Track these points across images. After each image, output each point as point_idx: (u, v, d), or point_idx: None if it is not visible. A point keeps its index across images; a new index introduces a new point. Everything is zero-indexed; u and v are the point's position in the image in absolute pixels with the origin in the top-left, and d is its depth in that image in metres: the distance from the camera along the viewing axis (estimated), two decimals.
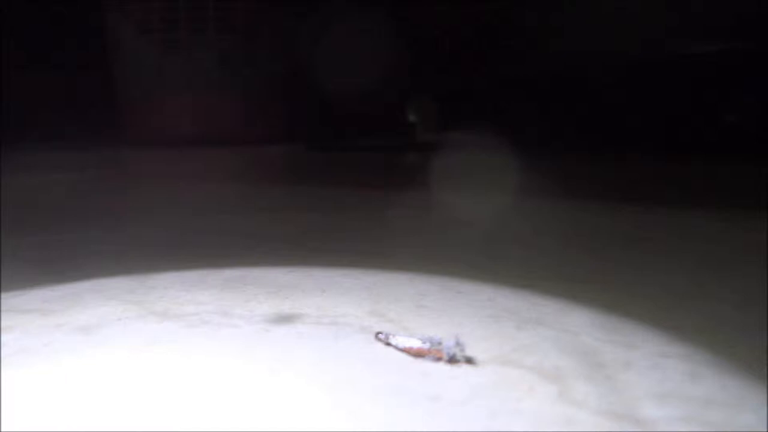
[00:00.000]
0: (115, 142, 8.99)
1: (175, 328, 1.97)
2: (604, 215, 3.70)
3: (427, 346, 1.65)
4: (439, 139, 8.27)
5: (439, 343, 1.63)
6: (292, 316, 2.06)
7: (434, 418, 1.39)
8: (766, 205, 3.88)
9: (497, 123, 7.19)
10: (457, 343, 1.62)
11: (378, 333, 1.77)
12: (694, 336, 1.80)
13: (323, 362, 1.69)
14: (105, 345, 1.84)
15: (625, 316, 1.97)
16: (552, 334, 1.84)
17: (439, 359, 1.62)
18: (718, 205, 4.06)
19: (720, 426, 1.32)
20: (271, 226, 3.53)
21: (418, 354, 1.65)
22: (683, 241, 3.03)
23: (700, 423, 1.34)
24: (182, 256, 2.92)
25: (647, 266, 2.55)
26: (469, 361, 1.62)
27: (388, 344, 1.71)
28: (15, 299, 2.23)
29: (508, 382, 1.54)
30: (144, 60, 8.99)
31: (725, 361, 1.63)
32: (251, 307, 2.15)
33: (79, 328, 1.98)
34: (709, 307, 2.04)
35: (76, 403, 1.49)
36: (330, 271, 2.59)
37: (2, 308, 2.11)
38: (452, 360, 1.61)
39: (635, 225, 3.45)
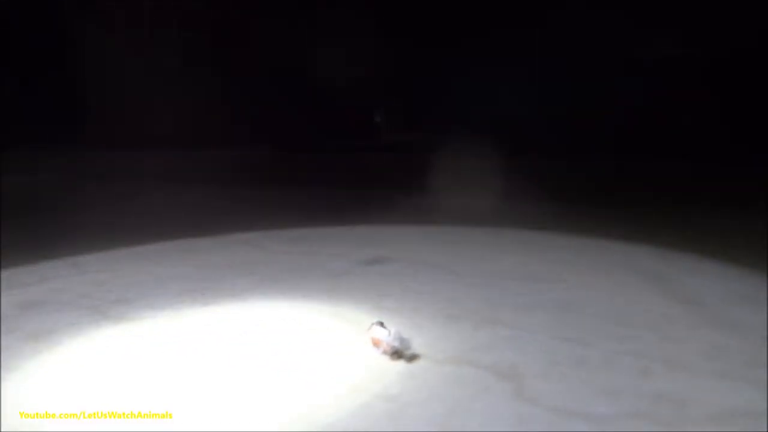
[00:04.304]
0: (75, 141, 8.77)
1: (129, 333, 1.94)
2: (557, 217, 3.74)
3: (388, 339, 1.68)
4: (405, 140, 8.29)
5: (402, 340, 1.67)
6: (250, 318, 2.04)
7: (390, 418, 1.39)
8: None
9: (463, 125, 7.25)
10: (400, 340, 1.66)
11: (374, 322, 1.78)
12: (646, 333, 1.84)
13: (281, 362, 1.69)
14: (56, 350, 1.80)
15: (581, 314, 2.00)
16: (509, 334, 1.86)
17: (384, 352, 1.67)
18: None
19: (669, 422, 1.36)
20: (234, 229, 3.48)
21: (374, 344, 1.70)
22: (630, 239, 3.09)
23: (650, 419, 1.37)
24: (141, 259, 2.87)
25: (604, 266, 2.59)
26: (412, 357, 1.65)
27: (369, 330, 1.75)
28: None
29: (464, 381, 1.56)
30: (105, 60, 8.81)
31: (675, 357, 1.67)
32: (210, 309, 2.13)
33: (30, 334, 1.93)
34: (659, 307, 2.09)
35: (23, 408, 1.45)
36: (289, 273, 2.57)
37: None
38: (394, 354, 1.65)
39: (589, 225, 3.48)
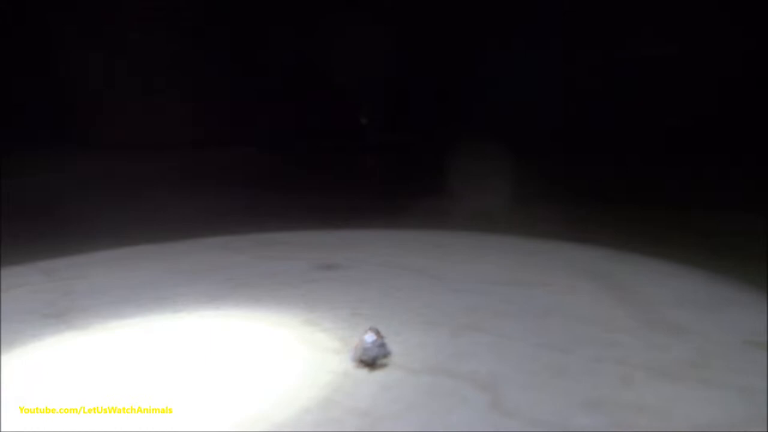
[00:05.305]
0: (61, 144, 8.63)
1: (98, 343, 1.86)
2: (544, 220, 3.69)
3: (358, 345, 1.63)
4: (394, 141, 8.23)
5: (365, 350, 1.62)
6: (221, 327, 1.97)
7: None
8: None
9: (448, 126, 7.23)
10: (363, 350, 1.61)
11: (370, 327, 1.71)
12: (628, 339, 1.79)
13: (248, 373, 1.61)
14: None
15: (563, 320, 1.95)
16: (488, 340, 1.80)
17: (352, 358, 1.62)
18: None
19: None
20: (211, 232, 3.41)
21: (355, 347, 1.65)
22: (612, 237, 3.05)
23: (633, 430, 1.32)
24: (118, 268, 2.79)
25: (588, 270, 2.54)
26: (378, 366, 1.59)
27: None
28: None
29: (441, 392, 1.49)
30: (91, 61, 8.68)
31: (658, 364, 1.62)
32: (182, 316, 2.05)
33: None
34: (642, 312, 2.04)
35: None
36: (266, 278, 2.50)
37: None
38: (360, 363, 1.60)
39: (567, 224, 3.44)
